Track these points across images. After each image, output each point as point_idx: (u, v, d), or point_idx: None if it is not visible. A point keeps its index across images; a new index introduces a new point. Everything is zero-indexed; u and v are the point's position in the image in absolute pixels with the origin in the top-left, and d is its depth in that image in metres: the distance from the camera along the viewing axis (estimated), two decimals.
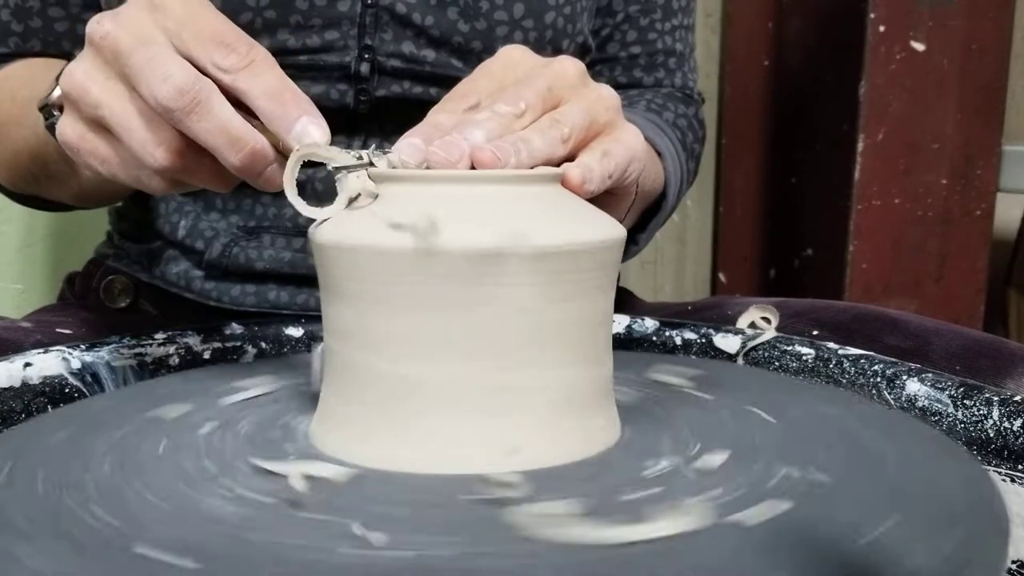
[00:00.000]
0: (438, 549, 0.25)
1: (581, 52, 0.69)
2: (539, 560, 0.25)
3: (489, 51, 0.42)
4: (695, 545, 0.26)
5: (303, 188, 0.64)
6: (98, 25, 0.37)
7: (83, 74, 0.38)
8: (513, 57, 0.41)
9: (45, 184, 0.58)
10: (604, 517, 0.27)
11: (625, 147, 0.40)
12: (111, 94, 0.37)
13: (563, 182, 0.37)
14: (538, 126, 0.38)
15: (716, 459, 0.33)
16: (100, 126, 0.38)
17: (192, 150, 0.38)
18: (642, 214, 0.66)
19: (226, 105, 0.36)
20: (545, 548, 0.25)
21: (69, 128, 0.39)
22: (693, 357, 0.55)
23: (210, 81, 0.36)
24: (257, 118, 0.37)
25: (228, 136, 0.36)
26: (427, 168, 0.36)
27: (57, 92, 0.41)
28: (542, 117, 0.38)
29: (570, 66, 0.40)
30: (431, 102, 0.39)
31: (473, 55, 0.61)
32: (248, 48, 0.37)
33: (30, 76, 0.58)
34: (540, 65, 0.41)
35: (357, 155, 0.36)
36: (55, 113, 0.42)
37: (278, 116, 0.37)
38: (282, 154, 0.38)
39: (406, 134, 0.37)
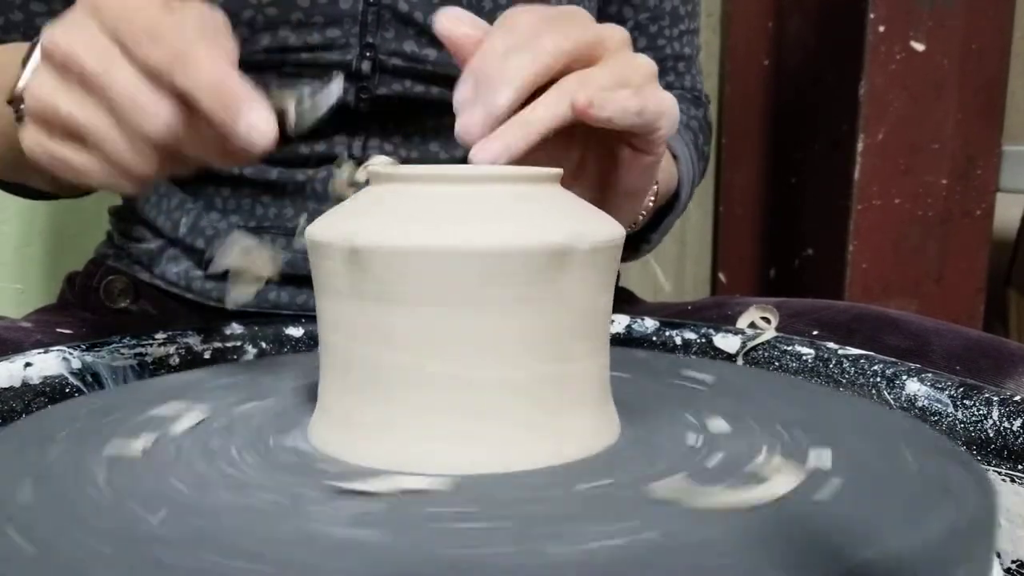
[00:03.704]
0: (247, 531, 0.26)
1: None
2: (295, 549, 0.25)
3: None
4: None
5: (302, 188, 0.64)
6: (49, 35, 0.36)
7: (46, 89, 0.36)
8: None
9: (26, 173, 0.57)
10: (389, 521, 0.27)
11: (658, 99, 0.40)
12: (77, 105, 0.36)
13: (571, 106, 0.37)
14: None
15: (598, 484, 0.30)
16: (71, 135, 0.37)
17: (168, 161, 0.37)
18: (655, 213, 0.67)
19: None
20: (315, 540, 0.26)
21: (38, 146, 0.38)
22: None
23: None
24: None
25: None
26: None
27: (24, 80, 0.40)
28: (571, 75, 0.38)
29: (618, 32, 0.41)
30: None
31: None
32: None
33: (3, 64, 0.57)
34: (591, 20, 0.42)
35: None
36: (22, 108, 0.40)
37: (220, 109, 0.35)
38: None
39: (464, 113, 0.37)
